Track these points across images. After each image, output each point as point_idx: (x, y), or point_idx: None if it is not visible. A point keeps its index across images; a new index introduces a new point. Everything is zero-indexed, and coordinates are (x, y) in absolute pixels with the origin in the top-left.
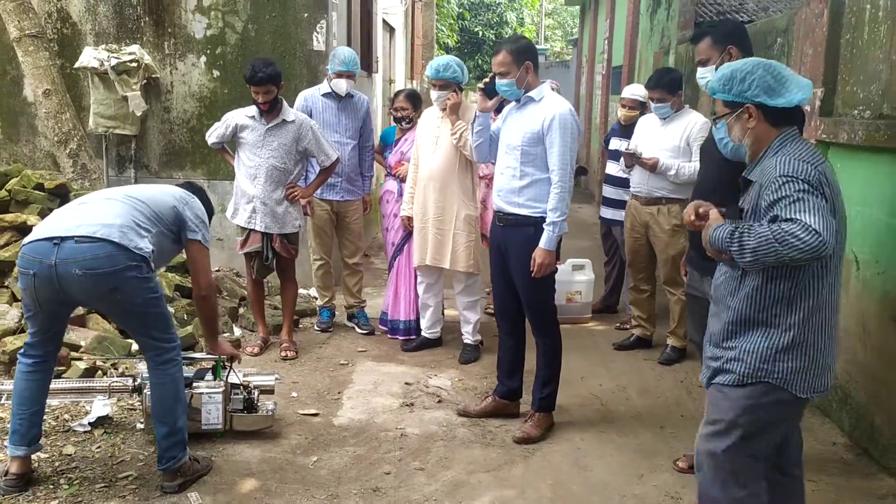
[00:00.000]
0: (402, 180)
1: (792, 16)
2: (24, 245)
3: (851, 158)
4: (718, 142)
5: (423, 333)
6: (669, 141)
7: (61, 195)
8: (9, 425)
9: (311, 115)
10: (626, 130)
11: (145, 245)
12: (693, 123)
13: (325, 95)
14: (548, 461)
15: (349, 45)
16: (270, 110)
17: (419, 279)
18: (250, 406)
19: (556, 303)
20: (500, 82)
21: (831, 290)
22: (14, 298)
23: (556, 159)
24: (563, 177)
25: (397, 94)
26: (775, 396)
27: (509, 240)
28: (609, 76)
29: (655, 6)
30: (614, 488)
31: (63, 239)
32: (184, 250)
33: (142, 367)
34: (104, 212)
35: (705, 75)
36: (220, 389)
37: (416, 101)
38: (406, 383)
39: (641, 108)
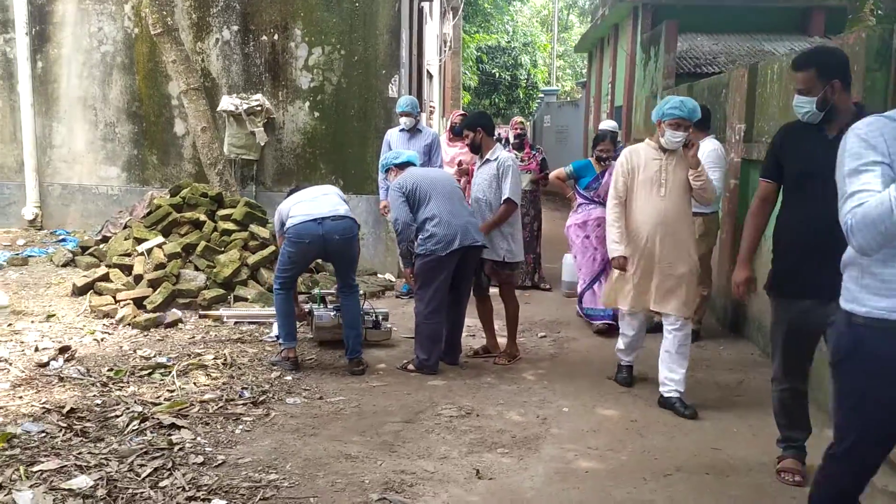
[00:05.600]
0: None
1: (729, 74)
2: (296, 225)
3: (758, 168)
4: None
5: (625, 364)
6: None
7: (217, 200)
8: (272, 331)
9: (388, 144)
10: None
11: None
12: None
13: (400, 130)
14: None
15: (409, 93)
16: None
17: (629, 322)
18: (376, 325)
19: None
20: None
21: (433, 214)
22: (196, 268)
23: None
24: None
25: (602, 137)
26: (432, 259)
27: None
28: (612, 114)
29: (647, 59)
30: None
31: (323, 219)
32: None
33: (309, 305)
34: (335, 200)
35: (804, 105)
36: None
37: (616, 142)
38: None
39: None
